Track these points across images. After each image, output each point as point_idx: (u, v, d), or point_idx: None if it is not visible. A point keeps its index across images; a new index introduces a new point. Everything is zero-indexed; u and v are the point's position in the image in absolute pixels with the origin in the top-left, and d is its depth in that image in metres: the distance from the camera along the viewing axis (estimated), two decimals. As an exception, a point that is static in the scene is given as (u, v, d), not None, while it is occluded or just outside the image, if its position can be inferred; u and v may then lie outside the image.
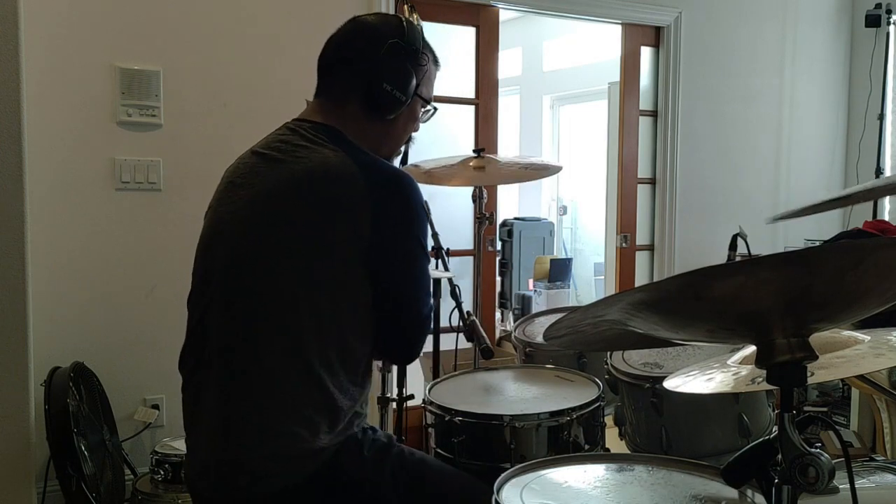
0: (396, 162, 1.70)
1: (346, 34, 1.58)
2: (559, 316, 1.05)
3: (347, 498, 1.40)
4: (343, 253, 1.38)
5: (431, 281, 1.52)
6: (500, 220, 5.69)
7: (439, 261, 2.73)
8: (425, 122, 1.66)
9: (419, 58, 1.53)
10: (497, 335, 4.68)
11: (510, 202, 7.79)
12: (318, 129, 1.50)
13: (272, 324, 1.38)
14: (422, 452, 1.58)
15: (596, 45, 6.99)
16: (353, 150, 1.46)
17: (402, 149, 1.68)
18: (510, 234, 6.72)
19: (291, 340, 1.36)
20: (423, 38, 1.57)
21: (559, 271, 6.70)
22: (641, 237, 4.54)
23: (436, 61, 1.62)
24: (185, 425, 1.50)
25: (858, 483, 1.10)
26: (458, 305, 2.24)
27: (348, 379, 1.41)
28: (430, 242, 2.76)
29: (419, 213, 1.47)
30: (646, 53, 4.44)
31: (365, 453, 1.42)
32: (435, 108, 1.65)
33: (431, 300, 1.52)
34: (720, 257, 3.38)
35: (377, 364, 2.80)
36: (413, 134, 1.66)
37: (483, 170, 2.65)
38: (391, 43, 1.50)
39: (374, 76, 1.49)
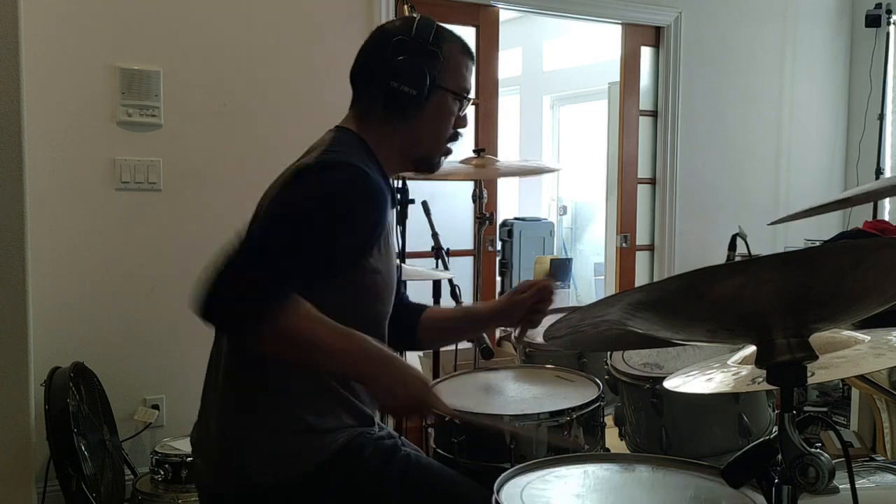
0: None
1: (366, 43, 1.56)
2: (559, 316, 1.05)
3: (348, 494, 1.40)
4: None
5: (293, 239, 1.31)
6: (500, 220, 5.69)
7: (439, 261, 2.73)
8: (464, 113, 1.58)
9: (430, 50, 1.49)
10: (497, 335, 4.67)
11: (510, 202, 7.79)
12: (338, 132, 1.51)
13: None
14: (428, 458, 1.58)
15: (596, 45, 6.99)
16: (342, 152, 1.43)
17: (448, 148, 1.60)
18: (510, 234, 6.72)
19: None
20: (442, 31, 1.52)
21: (559, 271, 6.70)
22: (641, 237, 4.53)
23: (464, 51, 1.55)
24: (197, 418, 1.53)
25: (858, 483, 1.10)
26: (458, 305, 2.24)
27: (335, 380, 1.42)
28: (431, 242, 2.77)
29: (330, 189, 1.35)
30: (646, 53, 4.44)
31: (369, 455, 1.43)
32: (469, 98, 1.57)
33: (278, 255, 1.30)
34: (720, 257, 3.39)
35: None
36: (460, 130, 1.59)
37: (483, 169, 2.65)
38: (396, 41, 1.48)
39: (383, 77, 1.47)
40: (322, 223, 1.32)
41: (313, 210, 1.33)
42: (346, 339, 1.31)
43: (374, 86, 1.49)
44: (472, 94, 1.59)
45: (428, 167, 1.60)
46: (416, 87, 1.47)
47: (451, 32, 1.56)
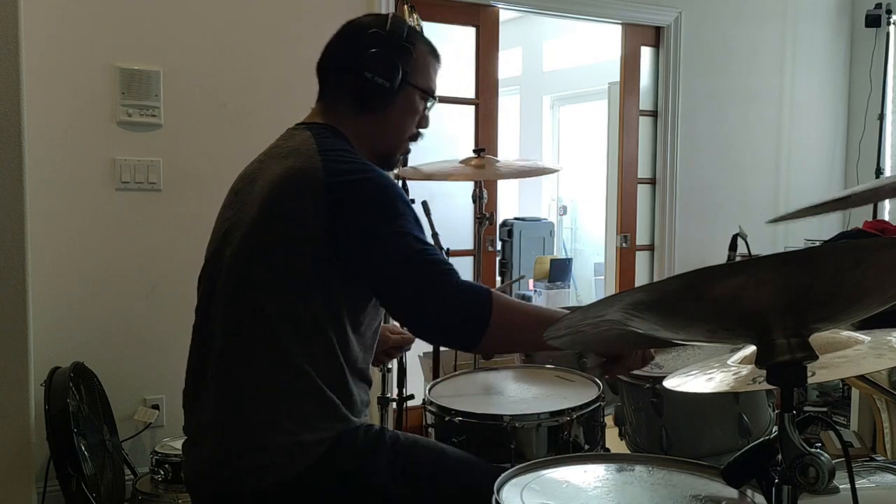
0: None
1: (337, 36, 1.59)
2: (559, 316, 1.05)
3: (345, 489, 1.40)
4: (306, 252, 1.38)
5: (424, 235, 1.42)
6: (500, 220, 5.69)
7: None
8: (428, 113, 1.61)
9: (403, 45, 1.52)
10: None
11: (510, 202, 7.79)
12: (315, 129, 1.51)
13: (257, 325, 1.39)
14: (415, 435, 1.57)
15: (596, 45, 6.99)
16: (332, 150, 1.45)
17: (408, 147, 1.63)
18: (510, 234, 6.72)
19: (275, 340, 1.38)
20: (413, 30, 1.56)
21: (559, 271, 6.70)
22: (641, 237, 4.54)
23: (433, 53, 1.59)
24: (184, 422, 1.52)
25: (858, 483, 1.10)
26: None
27: (334, 375, 1.41)
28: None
29: (385, 198, 1.41)
30: (646, 53, 4.44)
31: (359, 444, 1.43)
32: (434, 99, 1.61)
33: (430, 246, 1.41)
34: (720, 257, 3.38)
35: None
36: (422, 131, 1.63)
37: (483, 169, 2.65)
38: (371, 33, 1.51)
39: (356, 67, 1.50)
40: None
41: (405, 210, 1.41)
42: (534, 311, 1.47)
43: (345, 77, 1.51)
44: (436, 96, 1.62)
45: (388, 163, 1.62)
46: (389, 79, 1.50)
47: (421, 34, 1.59)
